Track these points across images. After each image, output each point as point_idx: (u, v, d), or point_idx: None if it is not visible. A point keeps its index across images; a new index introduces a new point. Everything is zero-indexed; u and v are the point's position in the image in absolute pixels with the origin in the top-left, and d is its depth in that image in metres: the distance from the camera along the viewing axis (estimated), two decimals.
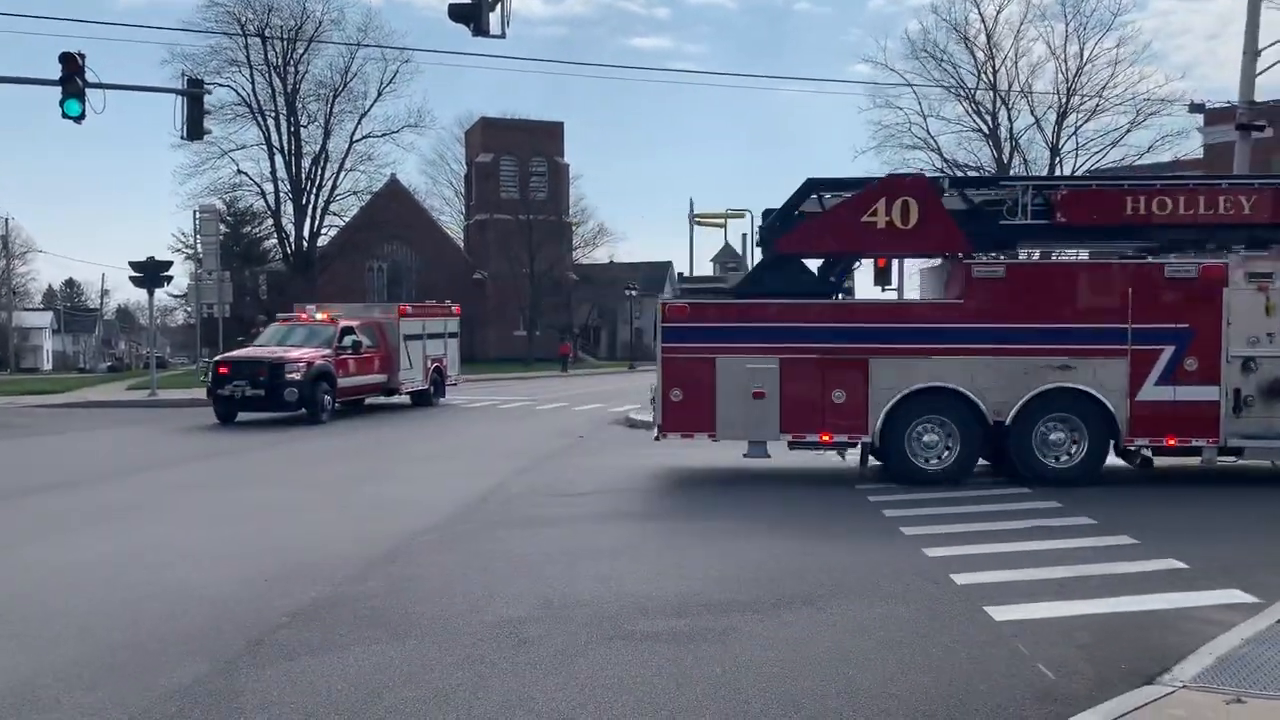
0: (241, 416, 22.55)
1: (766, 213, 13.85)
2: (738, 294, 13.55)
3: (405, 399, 26.98)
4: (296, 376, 21.81)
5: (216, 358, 23.82)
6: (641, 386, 39.23)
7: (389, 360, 25.62)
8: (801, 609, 7.22)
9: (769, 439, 12.98)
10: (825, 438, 12.90)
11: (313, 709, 5.37)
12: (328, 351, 23.01)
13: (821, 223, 13.15)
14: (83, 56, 19.48)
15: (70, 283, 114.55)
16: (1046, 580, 7.95)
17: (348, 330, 24.18)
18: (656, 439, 13.41)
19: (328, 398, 22.69)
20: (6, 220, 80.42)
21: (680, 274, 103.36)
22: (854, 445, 13.15)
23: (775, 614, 7.10)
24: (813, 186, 13.38)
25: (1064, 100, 34.83)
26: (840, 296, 13.62)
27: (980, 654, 6.22)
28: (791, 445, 13.15)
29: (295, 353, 22.54)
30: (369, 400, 26.00)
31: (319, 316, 24.82)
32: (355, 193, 62.09)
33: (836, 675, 5.85)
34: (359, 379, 24.41)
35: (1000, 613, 7.04)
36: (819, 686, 5.67)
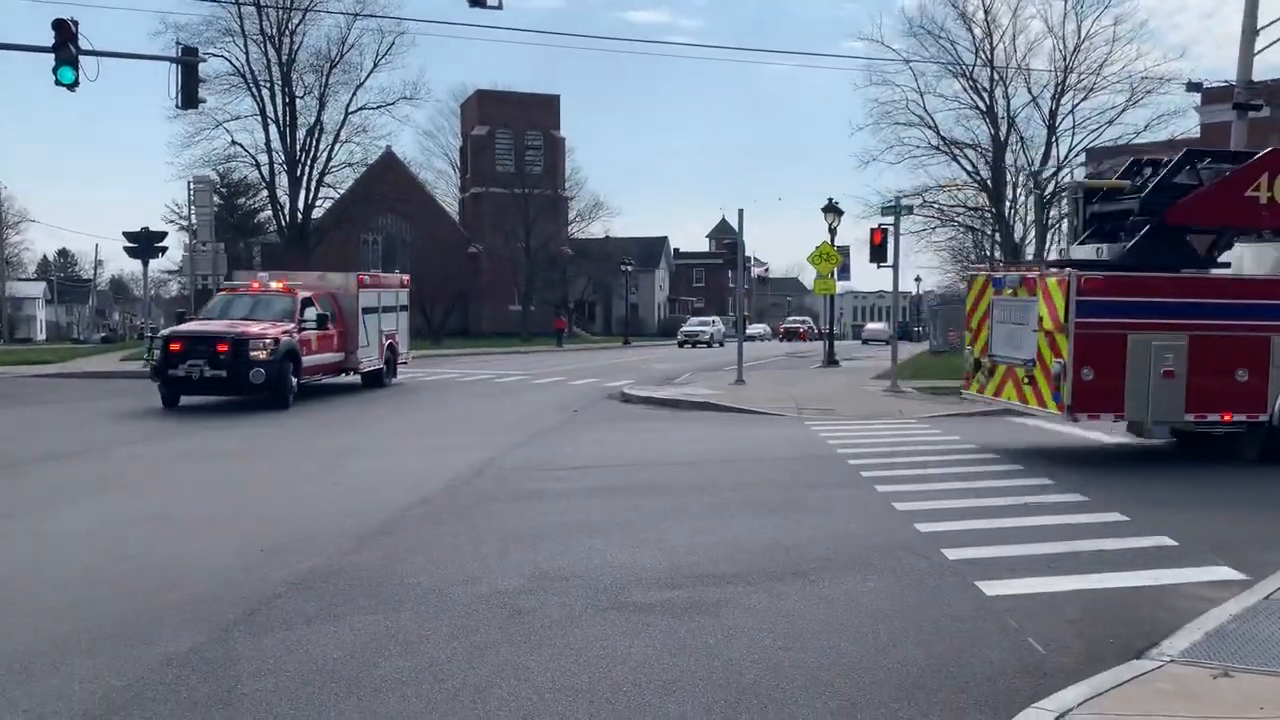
0: (188, 400, 19.79)
1: (1133, 172, 13.38)
2: (1123, 266, 12.81)
3: (355, 379, 23.97)
4: (263, 355, 18.98)
5: (164, 332, 20.97)
6: (635, 362, 39.33)
7: (346, 336, 22.74)
8: (794, 582, 7.28)
9: (1174, 421, 12.57)
10: (1226, 418, 12.52)
11: (309, 677, 5.42)
12: (290, 326, 20.14)
13: (1209, 195, 12.70)
14: (76, 23, 19.36)
15: (64, 253, 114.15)
16: (1037, 556, 8.01)
17: (308, 302, 21.05)
18: (1073, 420, 12.47)
19: (294, 379, 19.94)
20: (0, 189, 80.00)
21: (676, 249, 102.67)
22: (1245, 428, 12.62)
23: (768, 586, 7.16)
24: (1190, 157, 13.11)
25: (1061, 78, 34.73)
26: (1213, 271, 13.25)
27: (971, 628, 6.28)
28: (1178, 430, 12.86)
29: (257, 328, 19.57)
30: (322, 380, 22.52)
31: (274, 285, 21.63)
32: (350, 165, 62.02)
33: (828, 647, 5.90)
34: (320, 357, 21.45)
35: (991, 587, 7.10)
36: (811, 658, 5.73)
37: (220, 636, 6.07)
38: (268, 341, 19.22)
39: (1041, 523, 9.24)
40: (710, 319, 68.30)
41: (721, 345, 59.26)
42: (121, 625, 6.28)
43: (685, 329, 64.69)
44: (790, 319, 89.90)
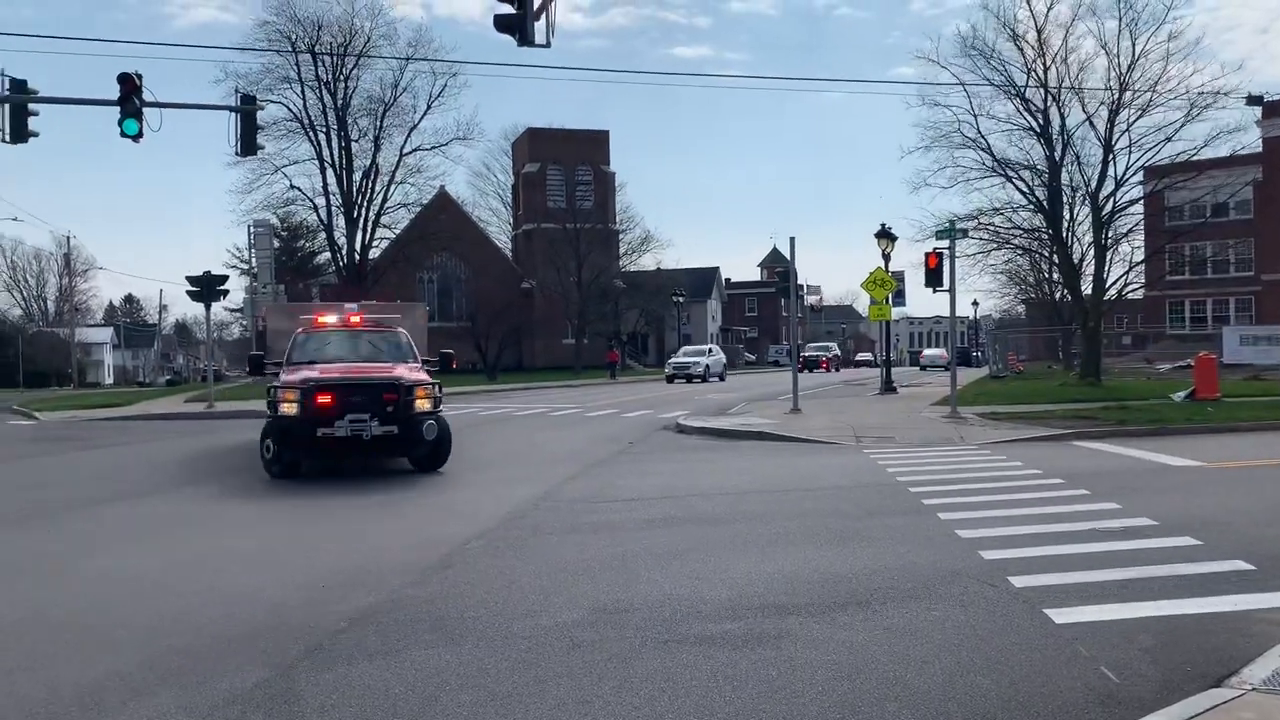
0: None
1: None
2: None
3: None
4: (429, 405, 15.22)
5: (295, 380, 15.09)
6: (689, 392, 39.24)
7: None
8: (856, 612, 7.16)
9: None
10: None
11: (370, 713, 5.43)
12: (418, 367, 16.60)
13: None
14: (140, 77, 19.96)
15: (130, 298, 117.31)
16: (1108, 582, 7.81)
17: (408, 341, 17.67)
18: None
19: None
20: (69, 238, 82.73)
21: (728, 279, 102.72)
22: None
23: (829, 617, 7.05)
24: None
25: (1116, 96, 34.21)
26: None
27: (1040, 657, 6.13)
28: None
29: (406, 370, 15.80)
30: None
31: (354, 320, 17.85)
32: (405, 205, 63.03)
33: (893, 679, 5.79)
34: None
35: (1060, 615, 6.93)
36: (875, 690, 5.62)
37: (283, 672, 6.11)
38: (429, 387, 15.41)
39: (1110, 548, 9.01)
40: (706, 348, 59.39)
41: (721, 379, 52.61)
42: (187, 661, 6.35)
43: (674, 361, 55.30)
44: (811, 347, 78.18)
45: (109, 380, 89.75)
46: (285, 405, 14.65)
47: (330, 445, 14.64)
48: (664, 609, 7.33)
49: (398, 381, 15.00)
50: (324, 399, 14.55)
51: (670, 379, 52.53)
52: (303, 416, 14.48)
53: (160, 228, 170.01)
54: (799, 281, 31.66)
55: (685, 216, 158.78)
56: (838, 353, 77.82)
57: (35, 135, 20.30)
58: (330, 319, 17.77)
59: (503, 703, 5.53)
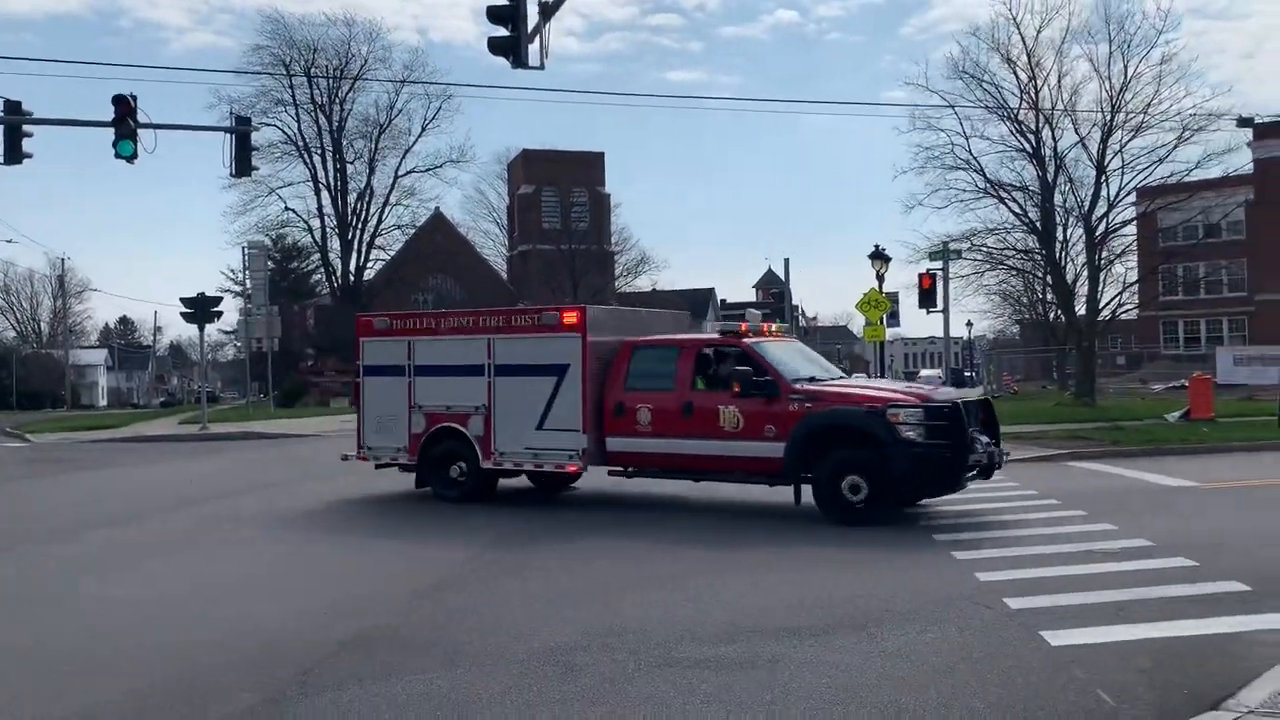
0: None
1: None
2: None
3: None
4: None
5: (929, 401, 11.93)
6: None
7: None
8: (851, 635, 7.12)
9: None
10: None
11: None
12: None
13: None
14: (135, 98, 19.96)
15: (124, 320, 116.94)
16: (1104, 604, 7.77)
17: None
18: None
19: None
20: (63, 260, 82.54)
21: (723, 300, 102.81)
22: None
23: (825, 640, 7.00)
24: None
25: (1109, 118, 34.38)
26: None
27: (1037, 680, 6.08)
28: None
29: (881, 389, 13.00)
30: None
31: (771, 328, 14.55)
32: (400, 227, 63.12)
33: (888, 702, 5.74)
34: None
35: (1056, 637, 6.88)
36: (871, 714, 5.57)
37: (274, 697, 6.05)
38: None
39: (1106, 570, 8.97)
40: None
41: None
42: (179, 686, 6.30)
43: None
44: None
45: (103, 402, 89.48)
46: (907, 429, 11.52)
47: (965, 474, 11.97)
48: (657, 632, 7.27)
49: (924, 404, 11.88)
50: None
51: None
52: (955, 444, 11.63)
53: (156, 250, 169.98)
54: (794, 302, 31.69)
55: (680, 238, 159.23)
56: None
57: (29, 156, 20.28)
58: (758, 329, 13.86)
59: None
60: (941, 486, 12.03)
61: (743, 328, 13.59)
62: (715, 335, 13.95)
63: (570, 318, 13.62)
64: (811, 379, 12.88)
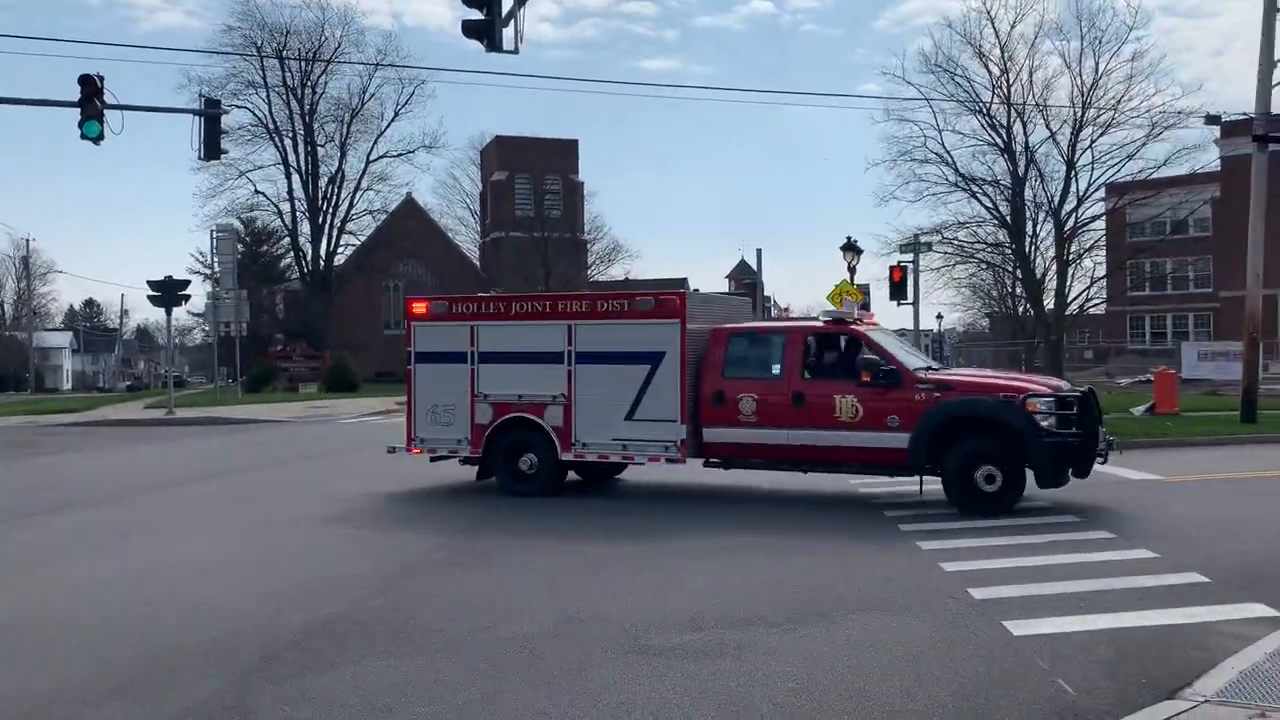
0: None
1: None
2: None
3: None
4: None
5: (1060, 389, 12.27)
6: None
7: None
8: (817, 624, 7.16)
9: None
10: None
11: None
12: None
13: None
14: (101, 78, 19.67)
15: (90, 303, 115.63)
16: (1066, 594, 7.86)
17: None
18: None
19: None
20: (28, 241, 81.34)
21: (696, 290, 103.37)
22: None
23: (790, 629, 7.04)
24: None
25: (1079, 114, 34.71)
26: None
27: (998, 669, 6.15)
28: None
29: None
30: None
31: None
32: (371, 212, 62.55)
33: (852, 690, 5.79)
34: None
35: (1019, 627, 6.96)
36: (834, 702, 5.61)
37: (238, 682, 6.02)
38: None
39: (1069, 560, 9.08)
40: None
41: None
42: (140, 671, 6.25)
43: None
44: None
45: (68, 386, 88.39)
46: (1044, 418, 11.54)
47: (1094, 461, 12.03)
48: (623, 620, 7.29)
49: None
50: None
51: None
52: (1087, 432, 11.73)
53: (123, 232, 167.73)
54: (766, 293, 31.77)
55: (654, 227, 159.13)
56: None
57: None
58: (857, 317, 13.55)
59: (459, 714, 5.47)
60: (1075, 473, 11.84)
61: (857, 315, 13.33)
62: (820, 323, 13.37)
63: (669, 304, 13.03)
64: (928, 368, 12.79)
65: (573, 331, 13.36)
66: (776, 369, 12.71)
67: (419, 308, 14.44)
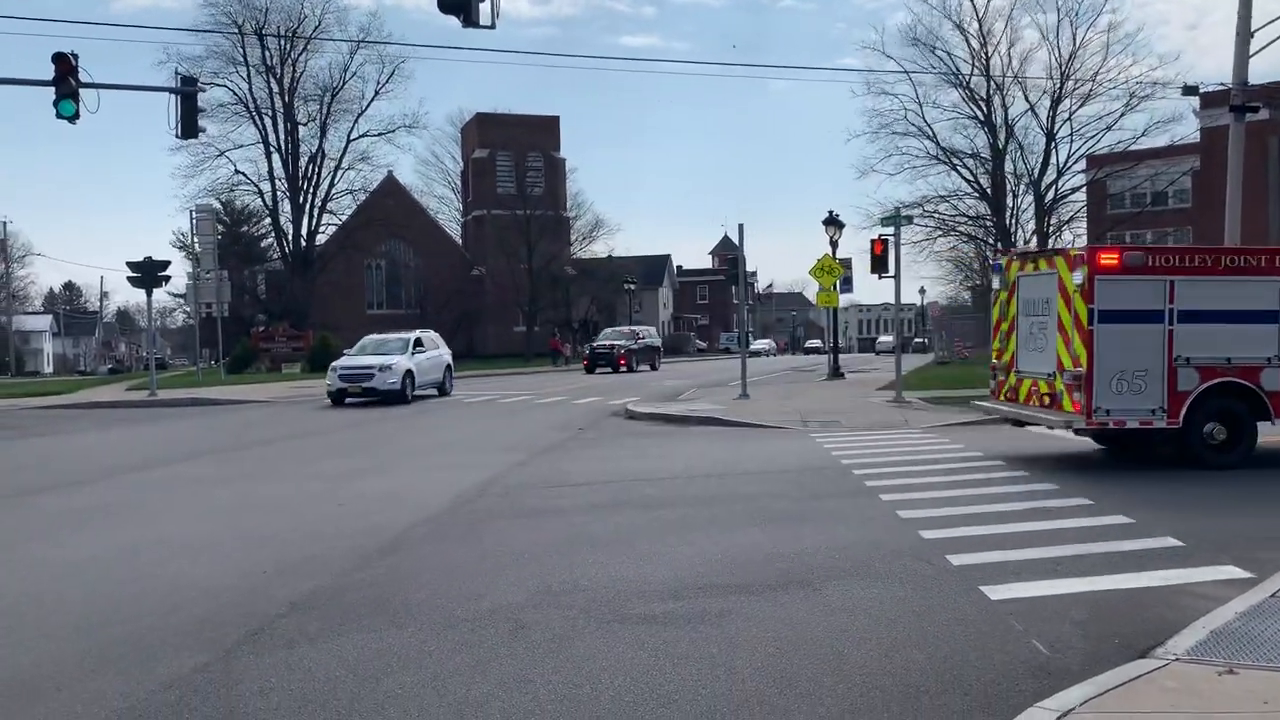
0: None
1: None
2: None
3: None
4: None
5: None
6: (639, 380, 39.25)
7: None
8: (797, 591, 7.26)
9: None
10: None
11: (311, 694, 5.41)
12: None
13: None
14: (75, 57, 19.50)
15: (70, 286, 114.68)
16: (1043, 559, 7.99)
17: None
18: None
19: None
20: (5, 224, 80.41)
21: (679, 266, 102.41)
22: None
23: (771, 596, 7.14)
24: None
25: (1058, 86, 34.82)
26: None
27: (975, 631, 6.26)
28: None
29: None
30: None
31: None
32: (352, 191, 62.38)
33: (831, 653, 5.89)
34: None
35: (996, 592, 7.08)
36: (814, 665, 5.71)
37: (223, 656, 6.07)
38: None
39: (1047, 527, 9.21)
40: (638, 329, 51.13)
41: (652, 368, 46.03)
42: (125, 647, 6.29)
43: (598, 344, 46.38)
44: (609, 333, 50.56)
45: (49, 369, 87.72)
46: None
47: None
48: (606, 590, 7.37)
49: None
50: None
51: (592, 368, 44.11)
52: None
53: (103, 215, 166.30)
54: (749, 269, 31.84)
55: (637, 204, 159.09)
56: (632, 345, 47.25)
57: None
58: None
59: (443, 683, 5.54)
60: None
61: None
62: None
63: None
64: None
65: None
66: None
67: (1108, 259, 12.64)
